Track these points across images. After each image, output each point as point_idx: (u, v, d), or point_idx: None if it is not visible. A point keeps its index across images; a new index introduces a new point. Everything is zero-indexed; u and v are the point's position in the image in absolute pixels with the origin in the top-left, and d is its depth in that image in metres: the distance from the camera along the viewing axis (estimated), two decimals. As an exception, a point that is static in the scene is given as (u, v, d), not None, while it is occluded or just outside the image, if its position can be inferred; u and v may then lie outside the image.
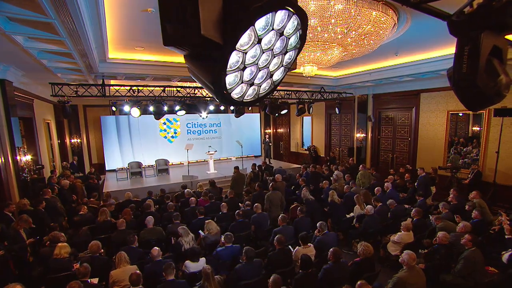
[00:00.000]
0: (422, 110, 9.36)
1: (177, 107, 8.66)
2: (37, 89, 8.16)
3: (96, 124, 12.60)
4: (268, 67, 1.03)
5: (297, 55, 1.08)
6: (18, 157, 6.15)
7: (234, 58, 0.89)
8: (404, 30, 5.18)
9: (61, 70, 6.28)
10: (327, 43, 4.82)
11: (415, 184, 7.30)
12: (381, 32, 4.62)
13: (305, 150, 14.60)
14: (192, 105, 8.49)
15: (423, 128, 9.38)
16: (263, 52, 0.96)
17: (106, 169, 11.96)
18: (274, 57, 1.01)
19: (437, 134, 8.98)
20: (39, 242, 4.88)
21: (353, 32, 4.44)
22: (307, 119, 14.70)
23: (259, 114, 16.07)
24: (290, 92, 10.00)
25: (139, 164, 11.25)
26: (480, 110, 1.18)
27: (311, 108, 10.66)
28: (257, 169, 8.83)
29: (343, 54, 5.46)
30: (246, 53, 0.91)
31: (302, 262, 3.60)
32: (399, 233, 4.92)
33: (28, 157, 6.59)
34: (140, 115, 8.24)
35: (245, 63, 0.94)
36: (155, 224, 5.36)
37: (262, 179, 7.57)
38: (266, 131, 16.95)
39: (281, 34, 0.95)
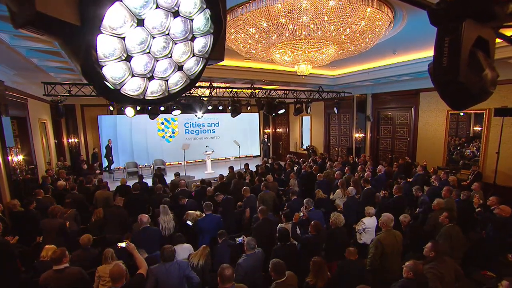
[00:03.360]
0: (422, 109, 9.22)
1: (173, 107, 8.56)
2: (31, 88, 8.09)
3: (93, 124, 12.52)
4: (171, 57, 0.84)
5: (215, 42, 0.88)
6: (9, 157, 6.08)
7: (108, 44, 0.70)
8: (401, 28, 5.06)
9: (53, 69, 6.19)
10: (321, 41, 4.71)
11: (411, 180, 7.22)
12: (376, 29, 4.51)
13: (304, 150, 14.48)
14: (187, 104, 8.38)
15: (423, 128, 9.25)
16: (153, 37, 0.77)
17: (103, 168, 11.89)
18: (176, 44, 0.82)
19: (437, 134, 8.85)
20: (29, 243, 4.81)
21: (348, 30, 4.34)
22: (306, 119, 14.57)
23: (258, 113, 15.94)
24: (287, 91, 9.88)
25: (136, 164, 11.17)
26: (465, 108, 1.06)
27: (309, 108, 10.53)
28: (249, 169, 8.73)
29: (339, 52, 5.35)
30: (124, 38, 0.72)
31: (280, 235, 3.71)
32: (363, 220, 4.61)
33: (20, 157, 6.50)
34: (134, 115, 8.13)
35: (129, 51, 0.74)
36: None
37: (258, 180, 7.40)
38: (265, 131, 16.83)
39: (176, 14, 0.76)
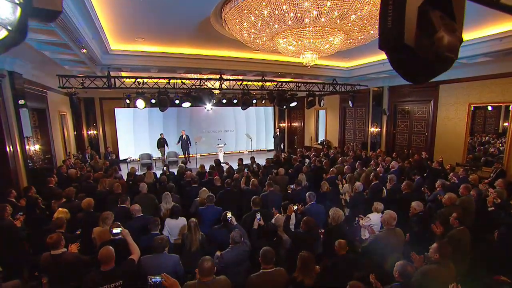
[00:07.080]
0: (441, 103, 8.69)
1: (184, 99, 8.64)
2: (50, 81, 8.42)
3: (111, 116, 12.92)
4: None
5: None
6: (27, 147, 6.38)
7: None
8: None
9: (66, 62, 6.40)
10: (326, 28, 4.51)
11: (424, 174, 6.85)
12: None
13: (318, 144, 14.20)
14: (197, 97, 8.38)
15: (442, 122, 8.72)
16: None
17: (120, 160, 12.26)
18: None
19: (457, 129, 8.30)
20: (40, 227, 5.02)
21: (353, 16, 4.11)
22: (322, 113, 14.26)
23: (272, 107, 15.77)
24: (299, 84, 9.63)
25: (149, 156, 11.43)
26: (422, 81, 0.93)
27: (322, 101, 10.23)
28: (256, 162, 8.67)
29: (348, 41, 5.11)
30: None
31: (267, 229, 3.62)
32: (369, 216, 4.41)
33: (37, 147, 6.81)
34: (144, 107, 8.28)
35: None
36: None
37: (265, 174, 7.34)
38: (280, 125, 16.64)
39: None
